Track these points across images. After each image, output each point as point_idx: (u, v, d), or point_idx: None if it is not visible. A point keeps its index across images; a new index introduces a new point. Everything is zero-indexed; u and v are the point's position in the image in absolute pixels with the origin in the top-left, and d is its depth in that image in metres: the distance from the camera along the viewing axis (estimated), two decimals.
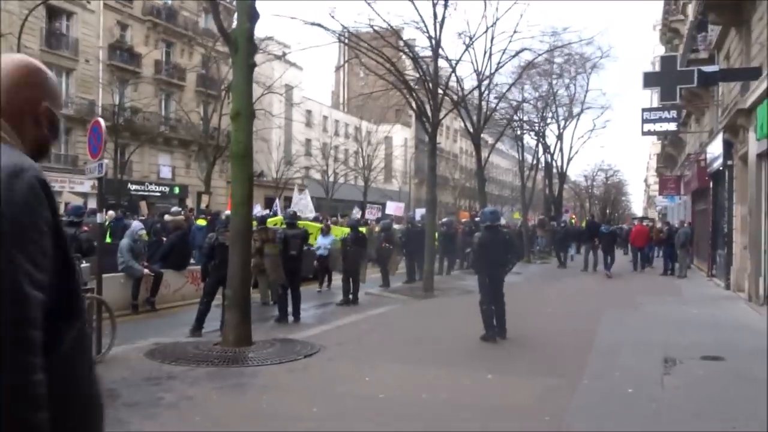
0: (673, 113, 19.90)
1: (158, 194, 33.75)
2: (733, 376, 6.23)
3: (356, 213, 24.22)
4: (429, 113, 13.99)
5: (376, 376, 6.04)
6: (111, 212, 16.28)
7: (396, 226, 18.70)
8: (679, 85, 12.85)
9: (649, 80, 13.83)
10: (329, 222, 15.53)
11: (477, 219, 18.66)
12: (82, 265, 6.75)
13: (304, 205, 22.13)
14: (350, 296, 11.92)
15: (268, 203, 29.62)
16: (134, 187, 32.13)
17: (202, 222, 16.07)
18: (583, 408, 5.06)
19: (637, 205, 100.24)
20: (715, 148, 16.49)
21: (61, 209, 20.35)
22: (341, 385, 5.72)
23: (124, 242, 10.60)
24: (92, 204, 19.73)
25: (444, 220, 20.85)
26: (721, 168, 15.57)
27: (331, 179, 42.44)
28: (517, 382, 5.85)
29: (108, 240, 13.52)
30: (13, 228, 1.14)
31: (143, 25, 33.30)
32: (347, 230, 14.33)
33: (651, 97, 34.45)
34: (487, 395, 5.44)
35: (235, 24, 8.37)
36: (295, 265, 10.09)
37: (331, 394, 5.44)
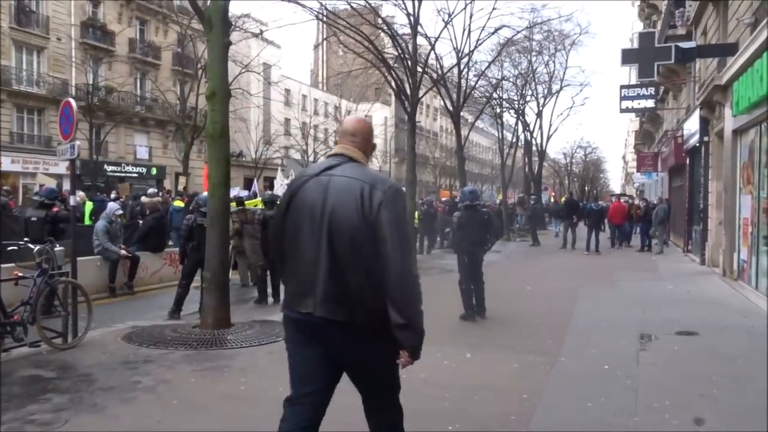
0: (651, 90, 20.05)
1: (135, 175, 33.29)
2: (707, 351, 6.35)
3: None
4: (408, 92, 13.91)
5: None
6: (81, 193, 15.99)
7: None
8: (657, 61, 12.90)
9: (628, 57, 13.87)
10: None
11: (457, 199, 18.69)
12: (56, 249, 6.62)
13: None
14: None
15: (248, 184, 29.39)
16: (111, 168, 31.66)
17: (179, 203, 15.89)
18: (560, 385, 5.12)
19: (615, 182, 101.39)
20: (692, 125, 16.65)
21: (36, 190, 19.98)
22: None
23: (100, 224, 10.44)
24: (67, 186, 19.36)
25: (424, 199, 20.88)
26: (697, 144, 15.74)
27: (311, 159, 42.15)
28: (495, 361, 5.90)
29: (88, 222, 13.31)
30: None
31: (116, 2, 32.48)
32: None
33: (629, 74, 34.64)
34: (465, 374, 5.48)
35: (209, 1, 8.15)
36: None
37: None
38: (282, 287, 2.84)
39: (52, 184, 14.64)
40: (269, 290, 9.83)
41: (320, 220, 2.56)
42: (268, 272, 9.85)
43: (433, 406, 4.60)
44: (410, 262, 2.55)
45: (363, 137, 2.82)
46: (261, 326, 7.43)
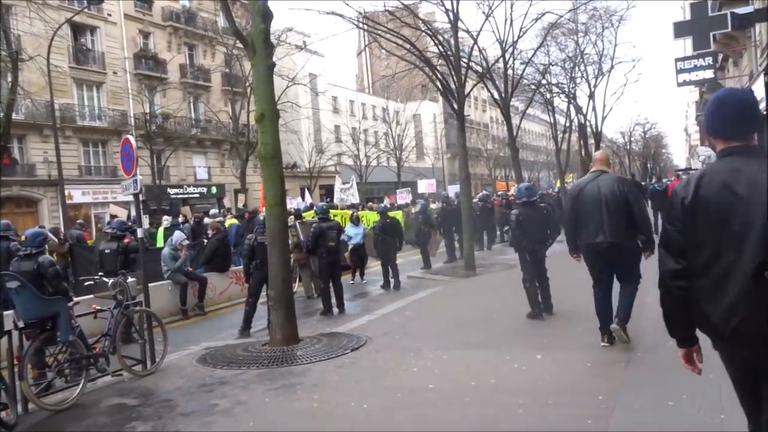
0: (709, 60, 19.06)
1: (197, 195, 34.43)
2: None
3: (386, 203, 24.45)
4: (454, 89, 13.76)
5: (424, 366, 6.03)
6: (167, 217, 16.88)
7: (432, 206, 18.60)
8: (713, 31, 12.29)
9: (680, 30, 13.28)
10: (357, 212, 15.22)
11: (510, 194, 18.32)
12: (129, 280, 6.92)
13: (351, 193, 22.45)
14: (390, 281, 11.98)
15: (304, 194, 29.88)
16: (173, 191, 32.84)
17: (231, 221, 16.30)
18: (638, 384, 4.94)
19: (678, 157, 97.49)
20: (757, 91, 15.78)
21: (107, 220, 20.82)
22: (390, 378, 5.73)
23: (166, 251, 10.86)
24: (135, 212, 20.20)
25: (480, 195, 20.66)
26: (765, 111, 14.91)
27: (364, 163, 42.43)
28: (567, 361, 5.75)
29: (161, 243, 13.84)
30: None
31: (164, 31, 33.70)
32: (374, 216, 14.09)
33: (684, 44, 33.13)
34: (537, 377, 5.37)
35: (250, 25, 8.33)
36: (334, 257, 10.14)
37: (381, 388, 5.46)
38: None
39: (123, 214, 15.32)
40: (333, 300, 9.95)
41: (600, 199, 5.80)
42: (332, 284, 9.96)
43: (506, 413, 4.54)
44: (645, 212, 6.13)
45: (607, 161, 6.42)
46: (328, 339, 7.52)
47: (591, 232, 5.82)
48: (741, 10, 12.58)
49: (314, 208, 13.07)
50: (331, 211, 12.46)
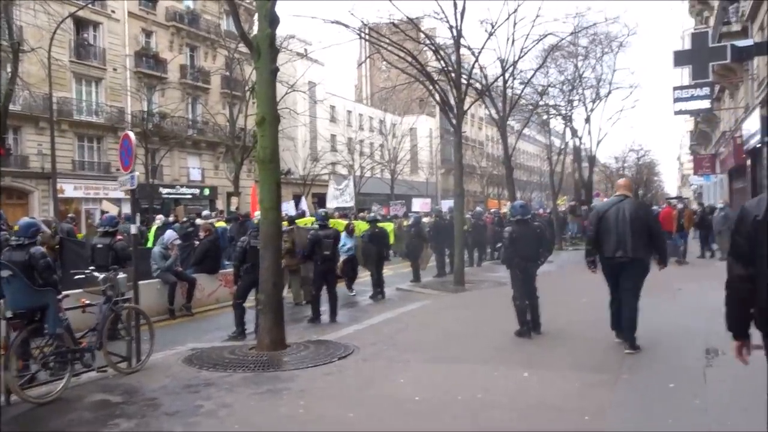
0: (706, 90, 19.34)
1: (189, 196, 34.30)
2: None
3: (377, 209, 24.40)
4: (453, 104, 13.84)
5: (411, 377, 6.03)
6: (161, 216, 16.80)
7: (425, 220, 18.63)
8: (712, 62, 12.46)
9: (680, 59, 13.44)
10: (352, 222, 15.08)
11: (504, 211, 18.37)
12: (119, 276, 6.87)
13: (348, 194, 22.36)
14: (377, 290, 11.98)
15: (297, 201, 29.87)
16: (166, 190, 32.71)
17: (221, 224, 16.26)
18: (624, 405, 4.96)
19: (670, 185, 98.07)
20: (752, 125, 15.99)
21: (96, 216, 20.73)
22: (377, 388, 5.72)
23: (156, 250, 10.81)
24: (126, 209, 20.12)
25: (473, 211, 20.72)
26: (759, 145, 15.09)
27: (358, 174, 42.44)
28: (554, 379, 5.77)
29: (152, 244, 13.76)
30: None
31: (167, 31, 33.73)
32: (365, 226, 14.01)
33: (681, 73, 33.50)
34: (523, 394, 5.38)
35: (255, 27, 8.36)
36: (329, 265, 10.10)
37: (367, 397, 5.45)
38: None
39: (114, 211, 15.24)
40: (325, 308, 9.91)
41: (625, 219, 6.57)
42: (327, 292, 9.91)
43: (493, 428, 4.54)
44: (661, 233, 7.10)
45: (630, 187, 7.31)
46: (315, 347, 7.50)
47: (612, 247, 6.62)
48: (741, 43, 12.77)
49: (311, 215, 13.00)
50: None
